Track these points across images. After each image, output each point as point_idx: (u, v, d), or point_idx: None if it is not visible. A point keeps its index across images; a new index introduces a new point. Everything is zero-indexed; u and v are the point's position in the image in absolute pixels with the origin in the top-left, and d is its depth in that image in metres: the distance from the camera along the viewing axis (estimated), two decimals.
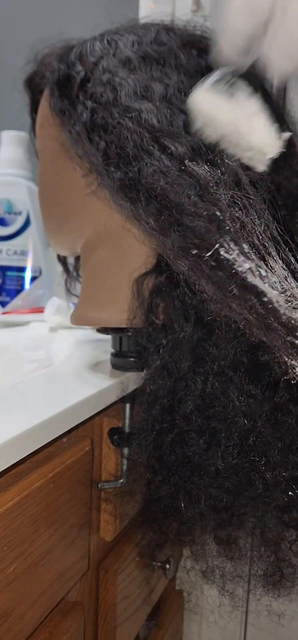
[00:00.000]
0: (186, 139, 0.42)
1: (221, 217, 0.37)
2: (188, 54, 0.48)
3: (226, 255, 0.36)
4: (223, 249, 0.36)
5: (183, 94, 0.44)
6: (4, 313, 0.88)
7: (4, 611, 0.37)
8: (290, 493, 0.43)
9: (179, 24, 0.52)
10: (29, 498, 0.38)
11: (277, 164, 0.46)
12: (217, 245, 0.36)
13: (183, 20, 0.53)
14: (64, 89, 0.48)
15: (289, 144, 0.49)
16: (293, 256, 0.39)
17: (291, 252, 0.39)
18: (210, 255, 0.36)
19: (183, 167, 0.40)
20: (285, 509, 0.45)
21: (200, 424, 0.43)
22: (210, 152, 0.41)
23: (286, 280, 0.36)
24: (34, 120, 0.61)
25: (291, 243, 0.40)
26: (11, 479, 0.39)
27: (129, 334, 0.50)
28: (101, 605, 0.55)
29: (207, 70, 0.46)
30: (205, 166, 0.40)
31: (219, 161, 0.40)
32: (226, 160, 0.40)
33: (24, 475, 0.40)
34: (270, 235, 0.38)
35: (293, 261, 0.38)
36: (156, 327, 0.46)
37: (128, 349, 0.52)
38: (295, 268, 0.38)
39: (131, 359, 0.51)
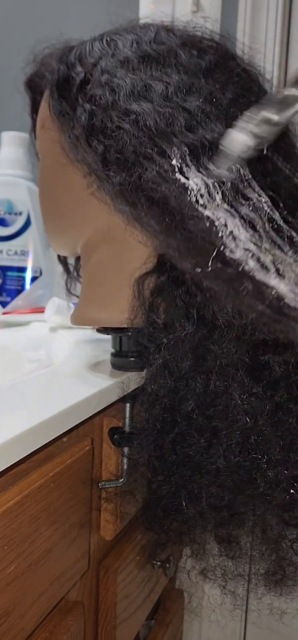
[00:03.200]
0: (187, 137, 0.42)
1: (222, 220, 0.37)
2: (188, 53, 0.48)
3: (231, 255, 0.36)
4: (227, 249, 0.36)
5: (184, 91, 0.44)
6: (4, 313, 0.89)
7: (5, 610, 0.37)
8: (291, 491, 0.43)
9: (179, 25, 0.52)
10: (29, 497, 0.39)
11: (278, 164, 0.46)
12: (221, 248, 0.36)
13: (183, 22, 0.53)
14: (63, 90, 0.49)
15: (289, 144, 0.49)
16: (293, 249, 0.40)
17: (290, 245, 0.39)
18: (215, 257, 0.36)
19: (182, 171, 0.40)
20: (286, 508, 0.45)
21: (200, 422, 0.43)
22: (211, 150, 0.41)
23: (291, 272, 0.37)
24: (34, 120, 0.61)
25: (293, 234, 0.40)
26: (11, 478, 0.39)
27: (129, 334, 0.51)
28: (101, 605, 0.55)
29: (207, 71, 0.46)
30: (207, 165, 0.40)
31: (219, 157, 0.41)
32: (228, 154, 0.40)
33: (25, 474, 0.40)
34: (270, 230, 0.39)
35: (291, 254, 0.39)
36: (157, 326, 0.46)
37: (128, 348, 0.52)
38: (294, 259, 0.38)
39: (131, 359, 0.52)
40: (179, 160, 0.40)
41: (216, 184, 0.39)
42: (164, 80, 0.45)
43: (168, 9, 0.96)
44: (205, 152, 0.41)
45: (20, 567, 0.38)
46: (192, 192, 0.39)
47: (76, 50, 0.50)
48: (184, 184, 0.39)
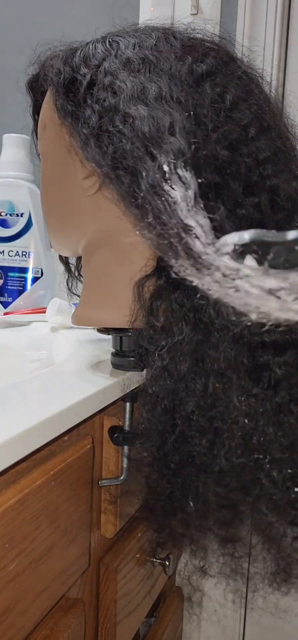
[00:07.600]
0: (169, 142, 0.41)
1: (200, 229, 0.37)
2: (181, 64, 0.47)
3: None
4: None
5: (172, 98, 0.44)
6: (6, 313, 0.89)
7: (6, 607, 0.37)
8: (296, 489, 0.44)
9: (180, 28, 0.52)
10: (30, 496, 0.39)
11: (277, 167, 0.46)
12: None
13: (184, 24, 0.53)
14: (70, 92, 0.49)
15: (289, 147, 0.49)
16: None
17: None
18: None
19: (168, 179, 0.39)
20: (290, 506, 0.45)
21: (202, 424, 0.44)
22: (191, 153, 0.41)
23: None
24: (36, 121, 0.61)
25: None
26: (13, 477, 0.39)
27: (130, 334, 0.51)
28: (101, 602, 0.56)
29: (203, 76, 0.47)
30: (187, 172, 0.40)
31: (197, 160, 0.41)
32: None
33: (26, 473, 0.40)
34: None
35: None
36: (156, 329, 0.46)
37: (128, 348, 0.52)
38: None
39: (131, 359, 0.52)
40: (169, 164, 0.39)
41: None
42: (158, 83, 0.45)
43: (168, 12, 0.97)
44: (183, 154, 0.40)
45: (21, 565, 0.39)
46: (179, 200, 0.38)
47: (80, 52, 0.50)
48: (170, 192, 0.38)
